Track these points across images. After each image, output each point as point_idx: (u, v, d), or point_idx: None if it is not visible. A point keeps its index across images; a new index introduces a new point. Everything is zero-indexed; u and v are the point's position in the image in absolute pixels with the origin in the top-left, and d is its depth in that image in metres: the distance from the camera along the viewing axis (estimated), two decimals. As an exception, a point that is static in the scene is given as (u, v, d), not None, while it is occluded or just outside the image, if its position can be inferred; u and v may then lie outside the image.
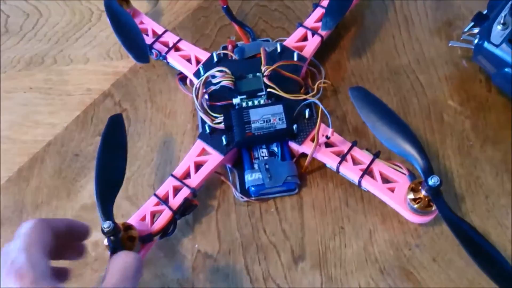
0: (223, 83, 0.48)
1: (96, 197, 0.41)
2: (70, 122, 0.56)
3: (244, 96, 0.49)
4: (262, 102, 0.49)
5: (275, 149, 0.49)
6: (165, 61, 0.55)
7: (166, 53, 0.54)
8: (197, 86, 0.49)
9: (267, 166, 0.48)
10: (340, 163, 0.47)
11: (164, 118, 0.55)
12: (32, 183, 0.53)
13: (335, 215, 0.48)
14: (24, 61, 0.60)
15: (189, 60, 0.54)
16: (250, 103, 0.49)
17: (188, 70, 0.53)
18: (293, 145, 0.49)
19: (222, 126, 0.48)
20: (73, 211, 0.50)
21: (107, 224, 0.40)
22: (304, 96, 0.49)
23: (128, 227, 0.43)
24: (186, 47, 0.55)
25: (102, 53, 0.60)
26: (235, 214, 0.49)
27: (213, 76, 0.50)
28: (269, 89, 0.49)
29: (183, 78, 0.55)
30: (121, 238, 0.42)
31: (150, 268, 0.47)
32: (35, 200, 0.51)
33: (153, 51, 0.55)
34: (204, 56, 0.54)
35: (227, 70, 0.49)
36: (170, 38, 0.55)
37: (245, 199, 0.49)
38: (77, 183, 0.52)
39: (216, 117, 0.49)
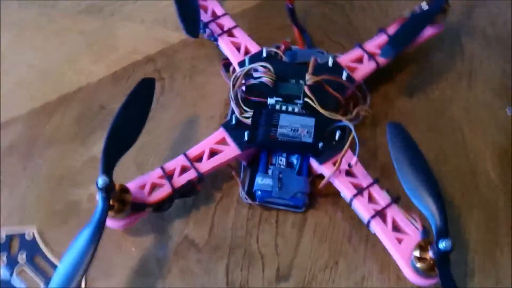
0: (263, 79, 0.47)
1: (103, 149, 0.41)
2: (107, 75, 0.56)
3: (280, 99, 0.47)
4: (296, 110, 0.47)
5: (295, 161, 0.47)
6: (215, 43, 0.54)
7: (219, 35, 0.53)
8: (237, 75, 0.48)
9: (280, 176, 0.46)
10: (355, 196, 0.44)
11: (197, 98, 0.54)
12: (52, 120, 0.53)
13: (334, 248, 0.46)
14: (85, 5, 0.61)
15: (238, 49, 0.53)
16: (283, 108, 0.47)
17: (235, 58, 0.52)
18: (313, 162, 0.46)
19: (248, 121, 0.47)
20: (80, 160, 0.50)
21: (102, 180, 0.39)
22: (340, 117, 0.46)
23: (124, 190, 0.42)
24: (240, 35, 0.54)
25: (159, 19, 0.60)
26: (234, 213, 0.47)
27: (256, 70, 0.48)
28: (307, 99, 0.47)
29: (227, 64, 0.54)
30: (114, 199, 0.41)
31: (134, 238, 0.46)
32: (49, 138, 0.52)
33: (207, 30, 0.54)
34: (254, 49, 0.52)
35: (271, 68, 0.47)
36: (227, 22, 0.54)
37: (249, 201, 0.47)
38: (93, 134, 0.52)
39: (246, 111, 0.47)
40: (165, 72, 0.56)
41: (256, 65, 0.47)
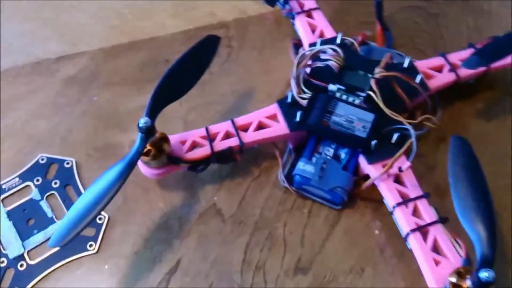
0: (329, 63, 0.44)
1: (152, 93, 0.40)
2: (179, 31, 0.56)
3: (343, 88, 0.45)
4: (356, 102, 0.44)
5: (343, 155, 0.44)
6: (292, 21, 0.53)
7: (297, 13, 0.52)
8: (305, 53, 0.46)
9: (324, 166, 0.43)
10: (399, 204, 0.41)
11: (261, 73, 0.53)
12: (117, 62, 0.53)
13: (363, 254, 0.42)
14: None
15: (313, 31, 0.51)
16: (344, 97, 0.45)
17: (307, 39, 0.50)
18: (362, 161, 0.43)
19: (304, 102, 0.44)
20: (132, 106, 0.50)
21: (145, 120, 0.38)
22: (402, 119, 0.43)
23: (164, 139, 0.41)
24: (318, 18, 0.52)
25: (242, -12, 0.59)
26: (267, 192, 0.45)
27: (324, 53, 0.46)
28: (370, 92, 0.44)
29: (297, 45, 0.52)
30: (152, 144, 0.40)
31: (163, 193, 0.45)
32: (110, 78, 0.52)
33: (287, 6, 0.52)
34: (329, 34, 0.50)
35: (341, 53, 0.44)
36: (309, 3, 0.53)
37: (286, 185, 0.45)
38: (151, 84, 0.50)
39: (304, 92, 0.45)
40: (235, 41, 0.55)
41: (326, 47, 0.45)
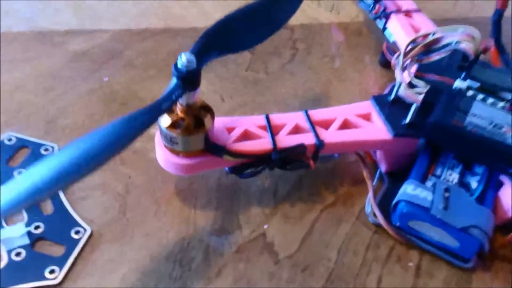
0: (462, 46, 0.30)
1: (207, 29, 0.26)
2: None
3: (477, 85, 0.30)
4: (500, 106, 0.29)
5: (474, 183, 0.28)
6: (382, 20, 0.40)
7: (393, 12, 0.39)
8: (418, 40, 0.32)
9: (447, 195, 0.27)
10: None
11: (333, 80, 0.39)
12: (143, 45, 0.41)
13: None
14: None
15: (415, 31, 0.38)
16: (479, 97, 0.30)
17: (407, 35, 0.37)
18: (507, 193, 0.27)
19: (417, 98, 0.30)
20: (152, 94, 0.36)
21: (188, 57, 0.23)
22: None
23: (206, 109, 0.26)
24: (421, 20, 0.39)
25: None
26: (348, 229, 0.29)
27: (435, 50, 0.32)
28: (522, 94, 0.29)
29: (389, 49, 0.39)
30: (188, 109, 0.25)
31: (184, 203, 0.29)
32: (130, 60, 0.39)
33: (378, 5, 0.40)
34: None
35: (478, 35, 0.30)
36: (408, 3, 0.40)
37: (378, 221, 0.28)
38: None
39: (416, 86, 0.31)
40: (301, 44, 0.42)
41: (457, 26, 0.31)
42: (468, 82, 0.30)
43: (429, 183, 0.28)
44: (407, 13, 0.40)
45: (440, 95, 0.29)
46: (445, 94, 0.29)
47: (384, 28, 0.40)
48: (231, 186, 0.30)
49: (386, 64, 0.40)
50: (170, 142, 0.26)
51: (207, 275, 0.26)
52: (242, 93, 0.37)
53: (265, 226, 0.28)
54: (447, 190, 0.27)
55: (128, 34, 0.41)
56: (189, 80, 0.24)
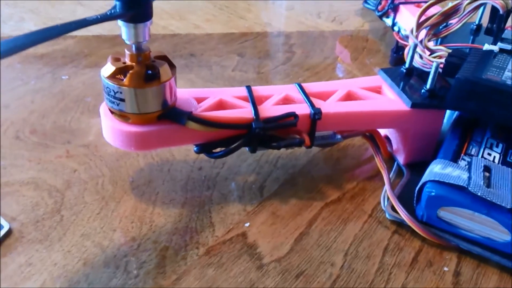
0: (493, 1, 0.25)
1: None
2: (219, 33, 0.39)
3: (509, 47, 0.24)
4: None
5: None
6: (389, 16, 0.36)
7: (401, 4, 0.35)
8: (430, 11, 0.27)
9: (487, 174, 0.20)
10: None
11: (335, 78, 0.33)
12: (115, 50, 0.35)
13: None
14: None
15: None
16: (513, 62, 0.24)
17: (418, 17, 0.31)
18: None
19: (439, 61, 0.23)
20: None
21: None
22: None
23: (165, 59, 0.20)
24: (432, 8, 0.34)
25: (311, 11, 0.44)
26: (359, 227, 0.21)
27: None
28: None
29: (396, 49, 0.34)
30: (137, 55, 0.19)
31: (137, 195, 0.22)
32: (97, 61, 0.34)
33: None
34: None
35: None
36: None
37: (397, 217, 0.21)
38: None
39: (434, 51, 0.25)
40: (298, 48, 0.37)
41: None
42: (499, 44, 0.24)
43: (462, 162, 0.21)
44: (418, 5, 0.35)
45: (467, 56, 0.23)
46: (472, 54, 0.23)
47: (394, 24, 0.36)
48: (204, 181, 0.23)
49: (398, 63, 0.35)
50: (115, 100, 0.20)
51: (160, 284, 0.18)
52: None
53: (246, 225, 0.21)
54: (487, 169, 0.20)
55: (97, 40, 0.36)
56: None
